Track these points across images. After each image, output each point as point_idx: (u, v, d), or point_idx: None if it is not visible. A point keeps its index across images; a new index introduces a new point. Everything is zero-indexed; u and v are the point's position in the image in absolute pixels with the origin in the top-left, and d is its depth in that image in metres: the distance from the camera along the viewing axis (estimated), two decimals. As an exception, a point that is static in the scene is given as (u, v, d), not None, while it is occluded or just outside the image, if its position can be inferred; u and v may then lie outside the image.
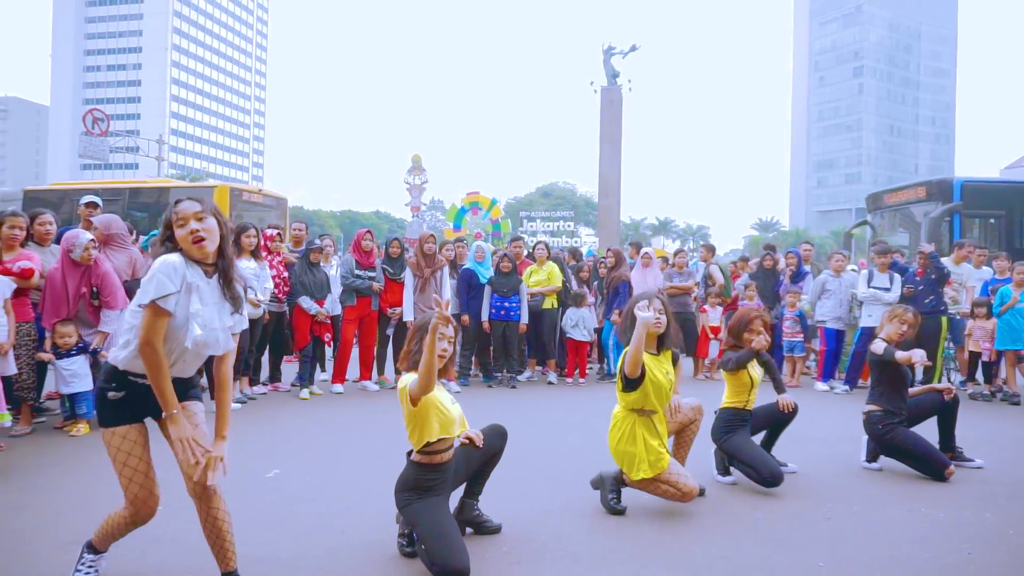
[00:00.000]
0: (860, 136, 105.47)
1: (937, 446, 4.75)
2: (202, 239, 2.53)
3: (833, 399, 7.61)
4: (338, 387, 7.45)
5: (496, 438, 3.46)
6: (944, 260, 8.41)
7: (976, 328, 7.76)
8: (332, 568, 3.00)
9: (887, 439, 4.59)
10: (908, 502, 4.03)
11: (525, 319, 8.12)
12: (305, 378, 7.24)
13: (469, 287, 8.07)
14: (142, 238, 7.87)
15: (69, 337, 5.31)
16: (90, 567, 2.75)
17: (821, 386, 8.18)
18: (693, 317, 8.93)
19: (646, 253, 9.18)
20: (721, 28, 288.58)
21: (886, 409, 4.65)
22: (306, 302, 7.13)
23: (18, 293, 5.11)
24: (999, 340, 7.51)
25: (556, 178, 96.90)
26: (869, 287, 7.82)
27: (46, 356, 5.27)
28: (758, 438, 4.59)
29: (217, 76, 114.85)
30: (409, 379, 3.10)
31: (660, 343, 3.93)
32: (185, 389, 2.66)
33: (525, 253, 9.27)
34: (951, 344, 8.53)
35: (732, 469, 4.44)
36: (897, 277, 7.87)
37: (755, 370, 4.49)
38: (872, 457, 4.74)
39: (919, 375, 7.71)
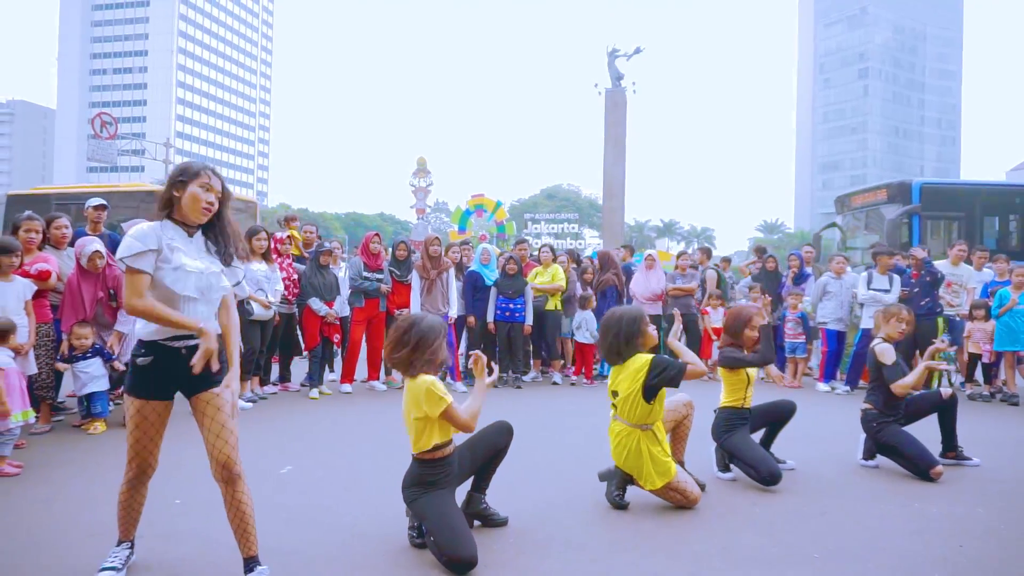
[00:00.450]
0: (865, 138, 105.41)
1: (940, 446, 4.86)
2: (210, 211, 2.72)
3: (834, 400, 7.71)
4: (347, 387, 7.59)
5: (501, 435, 3.57)
6: (941, 262, 8.53)
7: (975, 330, 7.86)
8: (346, 558, 3.13)
9: (879, 436, 4.70)
10: (902, 498, 4.14)
11: (530, 320, 8.26)
12: (314, 378, 7.38)
13: (475, 289, 8.21)
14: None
15: (86, 339, 5.46)
16: (115, 556, 2.88)
17: (822, 387, 8.29)
18: (696, 318, 9.04)
19: (649, 255, 9.30)
20: (725, 30, 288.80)
21: (882, 408, 4.75)
22: (316, 303, 7.27)
23: (36, 295, 5.27)
24: (998, 342, 7.60)
25: (560, 180, 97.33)
26: (869, 289, 7.93)
27: (63, 367, 5.44)
28: (757, 436, 4.71)
29: (223, 79, 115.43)
30: (442, 390, 3.16)
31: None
32: (208, 376, 2.73)
33: (530, 255, 9.40)
34: (951, 345, 8.64)
35: (732, 466, 4.56)
36: (897, 279, 7.97)
37: (751, 368, 4.61)
38: (869, 455, 4.84)
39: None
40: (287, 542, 3.25)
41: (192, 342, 2.69)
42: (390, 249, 8.44)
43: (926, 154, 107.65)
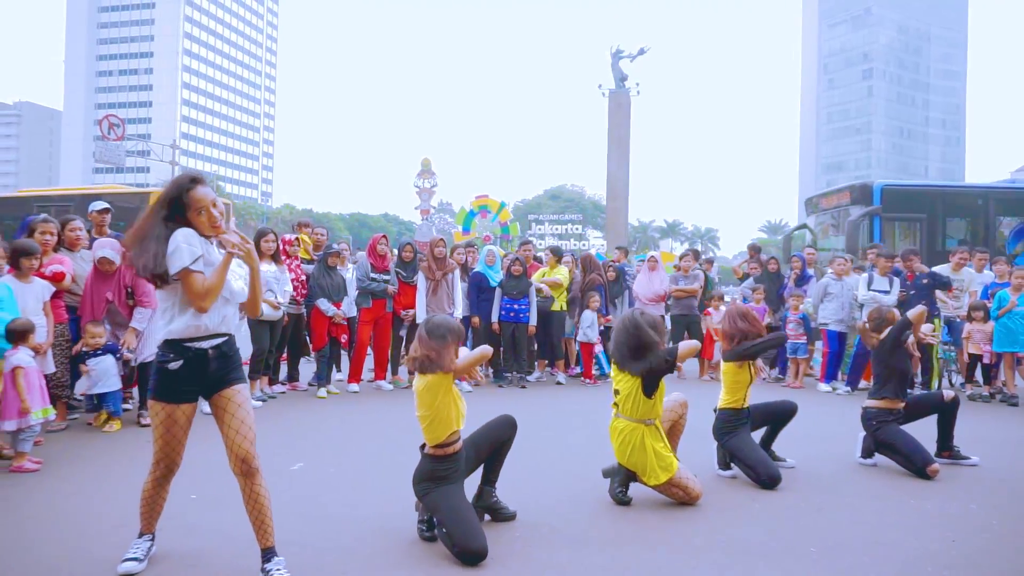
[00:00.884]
0: (869, 139, 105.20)
1: (936, 444, 4.95)
2: (218, 225, 2.87)
3: (835, 400, 7.80)
4: (354, 386, 7.71)
5: (504, 428, 3.68)
6: (942, 268, 8.64)
7: (975, 331, 7.94)
8: (358, 551, 3.24)
9: (878, 434, 4.80)
10: (898, 495, 4.24)
11: (534, 321, 8.37)
12: (322, 378, 7.50)
13: (480, 290, 8.32)
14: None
15: (99, 337, 5.58)
16: (137, 547, 2.99)
17: (823, 387, 8.38)
18: (698, 319, 9.14)
19: (652, 256, 9.40)
20: (729, 31, 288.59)
21: (883, 407, 4.84)
22: (324, 304, 7.38)
23: (52, 296, 5.40)
24: (997, 343, 7.68)
25: (564, 181, 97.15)
26: (869, 290, 8.02)
27: (85, 369, 5.54)
28: (758, 435, 4.81)
29: (228, 80, 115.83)
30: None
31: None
32: (228, 370, 2.90)
33: (534, 256, 9.50)
34: (951, 347, 8.73)
35: (732, 464, 4.66)
36: (896, 280, 8.07)
37: (751, 367, 4.73)
38: (867, 453, 4.94)
39: (918, 377, 7.93)
40: (301, 535, 3.36)
41: (217, 341, 2.85)
42: (396, 251, 8.56)
43: (930, 155, 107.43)
